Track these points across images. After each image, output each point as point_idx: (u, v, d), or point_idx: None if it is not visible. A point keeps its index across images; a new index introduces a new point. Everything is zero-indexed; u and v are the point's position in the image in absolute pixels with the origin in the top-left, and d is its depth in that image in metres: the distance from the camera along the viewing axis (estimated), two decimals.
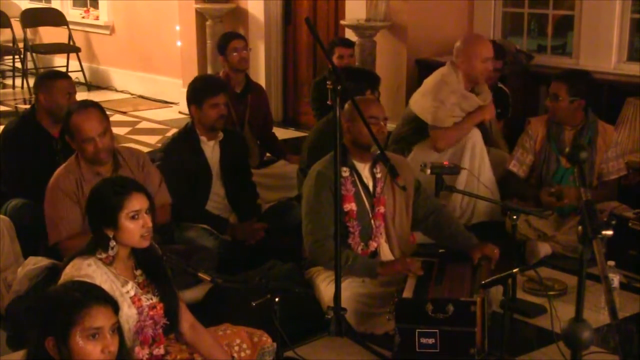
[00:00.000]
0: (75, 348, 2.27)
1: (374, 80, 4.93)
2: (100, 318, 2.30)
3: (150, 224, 2.81)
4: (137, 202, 2.80)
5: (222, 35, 6.05)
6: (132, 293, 2.79)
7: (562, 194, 4.58)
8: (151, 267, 2.88)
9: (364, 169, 3.91)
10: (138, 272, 2.87)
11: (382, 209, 3.89)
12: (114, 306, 2.38)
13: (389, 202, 3.92)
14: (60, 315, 2.27)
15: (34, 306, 2.43)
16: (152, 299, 2.84)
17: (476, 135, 4.97)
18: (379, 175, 3.91)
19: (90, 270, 2.73)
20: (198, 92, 4.61)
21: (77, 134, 3.82)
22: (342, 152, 3.77)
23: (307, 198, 3.86)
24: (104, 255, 2.79)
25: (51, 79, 4.80)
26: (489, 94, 5.18)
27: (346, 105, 3.84)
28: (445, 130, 4.97)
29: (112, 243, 2.78)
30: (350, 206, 3.80)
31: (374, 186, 3.90)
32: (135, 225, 2.78)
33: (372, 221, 3.87)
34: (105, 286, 2.71)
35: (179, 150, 4.54)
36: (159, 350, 2.86)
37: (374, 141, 3.68)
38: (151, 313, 2.81)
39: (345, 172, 3.80)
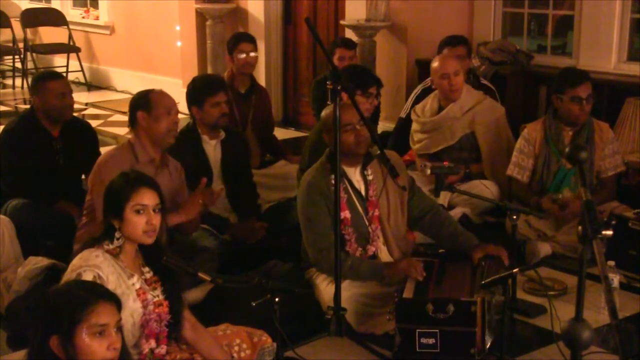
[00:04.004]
0: (81, 345, 2.29)
1: (368, 81, 4.89)
2: (105, 315, 2.32)
3: (155, 223, 2.84)
4: (145, 198, 2.84)
5: (233, 35, 6.03)
6: (137, 286, 2.83)
7: (565, 204, 4.55)
8: (159, 266, 2.91)
9: (354, 173, 3.87)
10: (146, 269, 2.90)
11: (376, 212, 3.85)
12: (118, 304, 2.40)
13: (382, 203, 3.88)
14: (66, 313, 2.29)
15: (36, 305, 2.44)
16: (158, 296, 2.87)
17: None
18: (370, 178, 3.87)
19: (98, 261, 2.76)
20: (198, 92, 4.61)
21: (158, 106, 3.97)
22: (331, 160, 3.76)
23: (302, 210, 3.83)
24: (110, 247, 2.82)
25: (43, 80, 4.79)
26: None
27: (322, 115, 3.89)
28: None
29: (118, 234, 2.82)
30: (344, 214, 3.73)
31: (366, 189, 3.86)
32: (139, 219, 2.81)
33: (368, 225, 3.85)
34: (112, 277, 2.76)
35: (180, 150, 4.53)
36: (160, 350, 2.87)
37: (374, 141, 3.67)
38: (156, 310, 2.84)
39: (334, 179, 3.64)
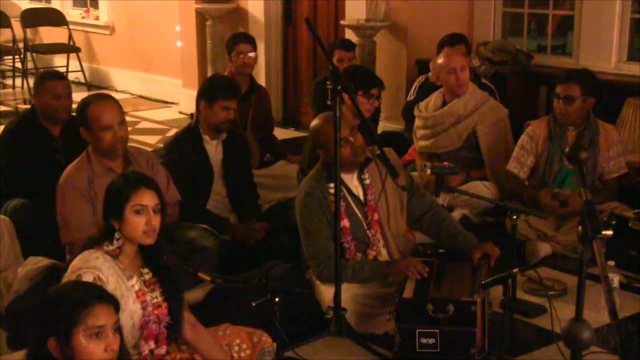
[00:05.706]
0: (78, 347, 2.28)
1: (371, 82, 4.87)
2: (102, 316, 2.32)
3: (155, 223, 2.84)
4: (144, 198, 2.83)
5: (232, 35, 6.04)
6: (136, 287, 2.82)
7: (566, 200, 4.55)
8: (158, 267, 2.91)
9: (351, 179, 3.84)
10: (145, 271, 2.90)
11: (376, 216, 3.83)
12: (115, 305, 2.39)
13: (382, 206, 3.86)
14: (62, 316, 2.28)
15: (34, 307, 2.43)
16: (157, 298, 2.86)
17: None
18: (367, 182, 3.85)
19: (98, 262, 2.77)
20: (213, 90, 4.59)
21: (95, 122, 3.74)
22: (327, 168, 3.75)
23: (302, 221, 3.80)
24: (110, 248, 2.82)
25: (42, 79, 4.79)
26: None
27: (310, 129, 3.85)
28: None
29: (118, 235, 2.82)
30: (343, 223, 3.67)
31: (365, 194, 3.85)
32: (138, 219, 2.81)
33: (367, 230, 3.83)
34: (112, 279, 2.76)
35: (182, 149, 4.54)
36: (160, 350, 2.87)
37: (375, 143, 3.66)
38: (155, 312, 2.83)
39: (332, 189, 3.61)
